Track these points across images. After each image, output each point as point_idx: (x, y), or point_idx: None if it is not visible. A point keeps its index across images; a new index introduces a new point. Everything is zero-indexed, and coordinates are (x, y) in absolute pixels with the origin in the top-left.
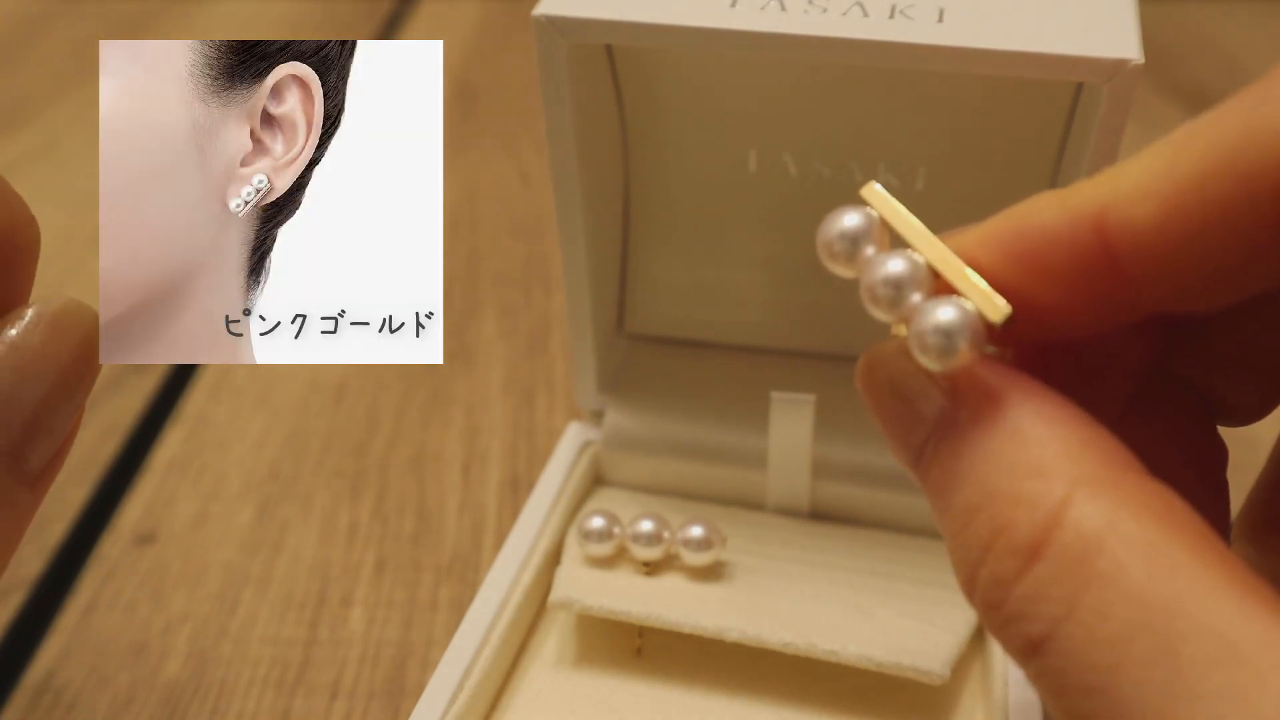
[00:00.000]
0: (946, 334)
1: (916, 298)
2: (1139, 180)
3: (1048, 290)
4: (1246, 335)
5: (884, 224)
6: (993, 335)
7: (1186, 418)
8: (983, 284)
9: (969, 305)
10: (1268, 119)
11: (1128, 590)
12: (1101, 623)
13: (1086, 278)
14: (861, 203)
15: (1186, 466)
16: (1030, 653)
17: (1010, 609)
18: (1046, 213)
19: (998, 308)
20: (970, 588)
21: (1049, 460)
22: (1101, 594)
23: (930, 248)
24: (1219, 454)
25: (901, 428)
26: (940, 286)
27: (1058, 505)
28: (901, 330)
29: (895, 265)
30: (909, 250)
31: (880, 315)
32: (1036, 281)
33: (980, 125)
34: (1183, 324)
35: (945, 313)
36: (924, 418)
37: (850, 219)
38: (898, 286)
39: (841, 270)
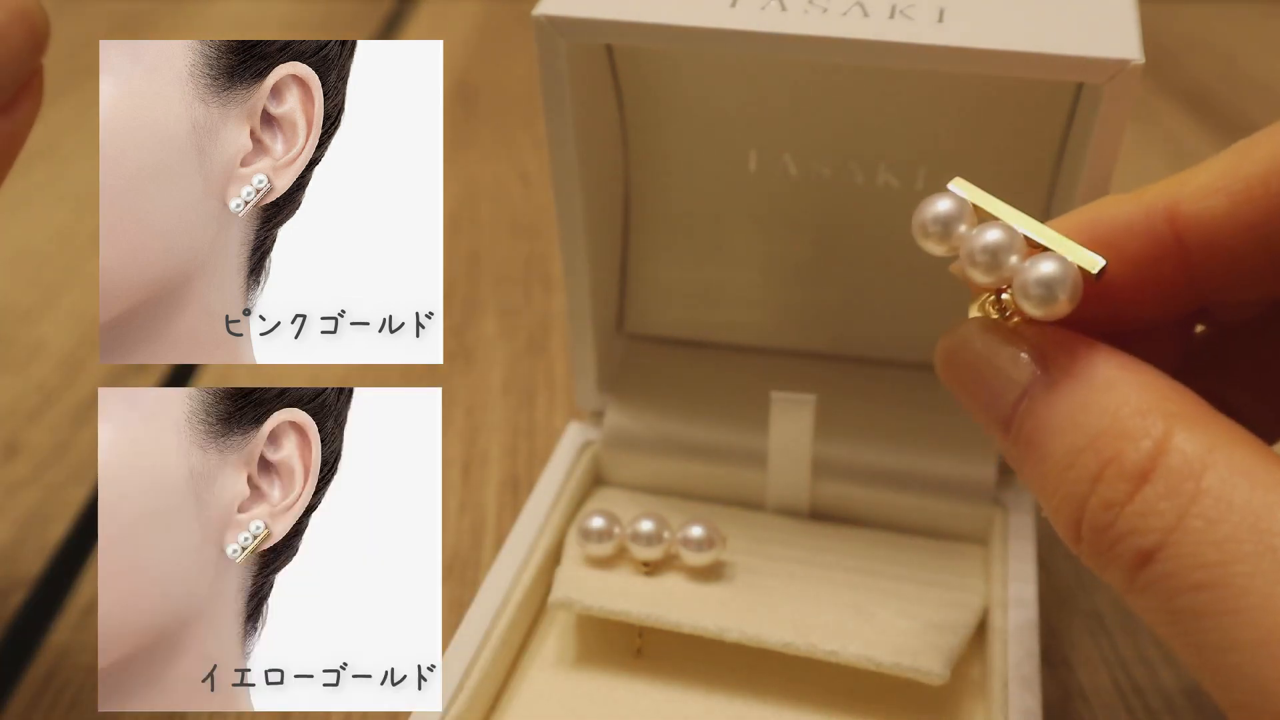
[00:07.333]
0: (1049, 285)
1: (1015, 259)
2: (1208, 178)
3: (1122, 273)
4: (1268, 353)
5: (974, 209)
6: (1088, 287)
7: None
8: (1075, 245)
9: (1069, 259)
10: None
11: (1233, 500)
12: (1212, 528)
13: (1158, 262)
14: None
15: None
16: (1141, 564)
17: (1121, 527)
18: (1122, 204)
19: (1094, 260)
20: (1075, 517)
21: (1146, 402)
22: (1211, 504)
23: (1022, 220)
24: None
25: (991, 395)
26: (1034, 252)
27: (1161, 436)
28: (974, 310)
29: (994, 234)
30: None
31: (979, 278)
32: (1112, 264)
33: (980, 125)
34: (1208, 342)
35: (1048, 266)
36: (1015, 381)
37: (944, 204)
38: (996, 252)
39: (934, 247)
